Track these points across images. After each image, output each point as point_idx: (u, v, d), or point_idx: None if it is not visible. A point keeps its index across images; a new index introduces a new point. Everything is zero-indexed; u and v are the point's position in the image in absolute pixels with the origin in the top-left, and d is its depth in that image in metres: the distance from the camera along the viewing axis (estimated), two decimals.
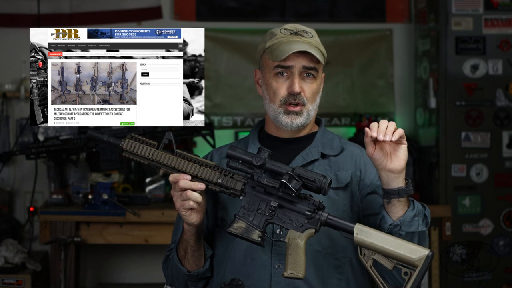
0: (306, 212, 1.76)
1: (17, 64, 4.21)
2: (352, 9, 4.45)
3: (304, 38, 1.92)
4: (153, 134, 3.45)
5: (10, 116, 4.20)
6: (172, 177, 1.78)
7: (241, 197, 1.79)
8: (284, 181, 1.72)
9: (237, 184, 1.78)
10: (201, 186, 1.77)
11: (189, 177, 1.77)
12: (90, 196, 3.42)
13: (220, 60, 4.39)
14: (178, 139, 3.85)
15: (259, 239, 1.76)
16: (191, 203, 1.77)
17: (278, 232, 1.80)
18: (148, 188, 3.70)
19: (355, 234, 1.73)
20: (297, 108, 1.90)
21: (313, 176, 1.73)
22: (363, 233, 1.73)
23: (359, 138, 4.17)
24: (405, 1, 4.45)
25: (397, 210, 1.79)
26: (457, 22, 4.00)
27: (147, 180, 3.72)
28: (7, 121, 4.17)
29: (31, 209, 3.94)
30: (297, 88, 1.89)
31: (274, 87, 1.92)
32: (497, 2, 4.02)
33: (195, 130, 3.95)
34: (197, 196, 1.77)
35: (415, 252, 1.71)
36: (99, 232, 3.47)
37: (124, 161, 3.84)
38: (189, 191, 1.77)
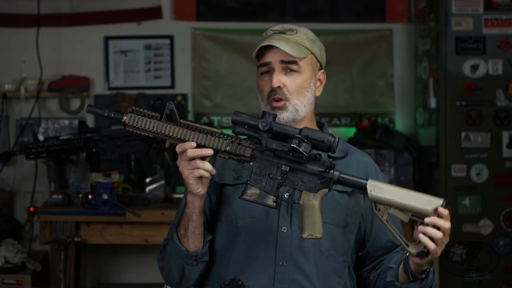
0: (318, 173, 1.76)
1: (17, 64, 4.21)
2: (352, 9, 4.44)
3: (284, 36, 1.93)
4: None
5: (10, 116, 4.20)
6: (178, 147, 1.76)
7: (251, 163, 1.78)
8: (295, 145, 1.71)
9: (246, 151, 1.76)
10: (209, 151, 1.75)
11: (194, 144, 1.75)
12: (90, 196, 3.42)
13: (220, 60, 4.40)
14: None
15: (274, 203, 1.76)
16: (201, 171, 1.75)
17: (287, 196, 1.81)
18: (148, 188, 3.70)
19: (369, 191, 1.73)
20: (280, 103, 1.91)
21: (321, 137, 1.73)
22: (377, 189, 1.73)
23: (359, 138, 4.17)
24: (405, 1, 4.46)
25: (405, 277, 1.83)
26: (457, 22, 4.00)
27: (147, 180, 3.72)
28: (7, 121, 4.17)
29: (31, 209, 3.95)
30: (274, 83, 1.90)
31: (260, 86, 1.95)
32: (497, 2, 4.02)
33: None
34: (207, 165, 1.76)
35: (429, 203, 1.71)
36: (99, 232, 3.47)
37: (124, 161, 3.84)
38: (198, 160, 1.75)
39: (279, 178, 1.76)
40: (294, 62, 1.91)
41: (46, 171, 3.88)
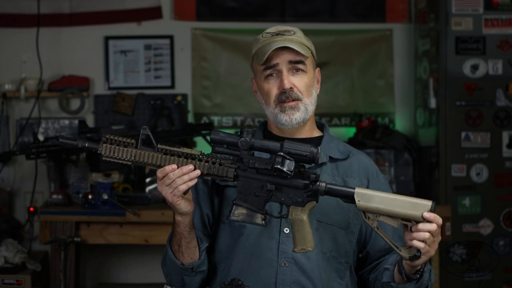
0: (304, 186, 1.75)
1: (17, 64, 4.21)
2: (352, 9, 4.44)
3: (285, 37, 1.92)
4: None
5: (10, 116, 4.20)
6: (159, 172, 1.74)
7: (235, 182, 1.76)
8: (278, 166, 1.69)
9: (228, 172, 1.75)
10: (190, 166, 1.73)
11: (175, 166, 1.73)
12: (90, 196, 3.42)
13: (220, 60, 4.40)
14: (178, 139, 3.86)
15: (263, 222, 1.75)
16: (183, 186, 1.73)
17: (280, 213, 1.80)
18: (148, 188, 3.70)
19: (357, 201, 1.73)
20: (293, 103, 1.90)
21: (303, 151, 1.70)
22: (365, 198, 1.72)
23: (359, 138, 4.17)
24: (405, 1, 4.45)
25: (400, 277, 1.83)
26: (457, 22, 4.00)
27: (147, 180, 3.73)
28: (7, 121, 4.17)
29: (31, 209, 3.95)
30: (286, 84, 1.89)
31: (266, 89, 1.93)
32: (497, 2, 4.02)
33: (195, 130, 3.95)
34: (185, 177, 1.73)
35: (418, 207, 1.70)
36: (99, 232, 3.47)
37: None
38: (177, 179, 1.73)
39: (265, 195, 1.75)
40: (302, 62, 1.91)
41: (46, 171, 3.88)
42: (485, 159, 4.00)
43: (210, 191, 1.98)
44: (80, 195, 3.49)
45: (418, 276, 1.80)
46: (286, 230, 1.88)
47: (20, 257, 3.57)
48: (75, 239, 3.37)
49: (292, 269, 1.88)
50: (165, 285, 1.78)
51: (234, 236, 1.92)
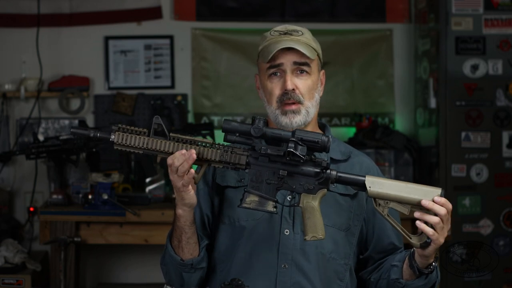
0: (315, 174, 1.76)
1: (17, 64, 4.21)
2: (352, 9, 4.45)
3: (292, 37, 1.92)
4: None
5: (10, 116, 4.20)
6: (170, 159, 1.74)
7: (246, 170, 1.77)
8: (291, 149, 1.71)
9: (240, 159, 1.75)
10: (183, 151, 1.72)
11: (184, 151, 1.73)
12: (90, 196, 3.42)
13: (220, 60, 4.40)
14: None
15: (274, 209, 1.76)
16: (192, 171, 1.73)
17: (289, 199, 1.80)
18: (148, 188, 3.70)
19: (368, 187, 1.74)
20: (294, 107, 1.89)
21: (315, 138, 1.72)
22: (376, 185, 1.75)
23: (359, 138, 4.17)
24: (405, 1, 4.46)
25: (410, 273, 1.83)
26: (457, 22, 4.00)
27: (147, 180, 3.73)
28: (7, 121, 4.17)
29: (31, 209, 3.95)
30: (289, 85, 1.88)
31: (269, 88, 1.92)
32: (497, 2, 4.02)
33: (195, 130, 3.95)
34: (192, 170, 1.73)
35: (428, 193, 1.74)
36: (99, 232, 3.47)
37: (124, 161, 3.84)
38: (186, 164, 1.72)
39: (276, 182, 1.76)
40: (306, 64, 1.90)
41: (46, 171, 3.88)
42: (485, 159, 4.00)
43: (210, 191, 1.97)
44: (80, 195, 3.49)
45: (430, 269, 1.80)
46: (287, 232, 1.88)
47: (20, 257, 3.57)
48: (75, 239, 3.37)
49: (292, 271, 1.87)
50: (165, 285, 1.78)
51: (234, 237, 1.92)
